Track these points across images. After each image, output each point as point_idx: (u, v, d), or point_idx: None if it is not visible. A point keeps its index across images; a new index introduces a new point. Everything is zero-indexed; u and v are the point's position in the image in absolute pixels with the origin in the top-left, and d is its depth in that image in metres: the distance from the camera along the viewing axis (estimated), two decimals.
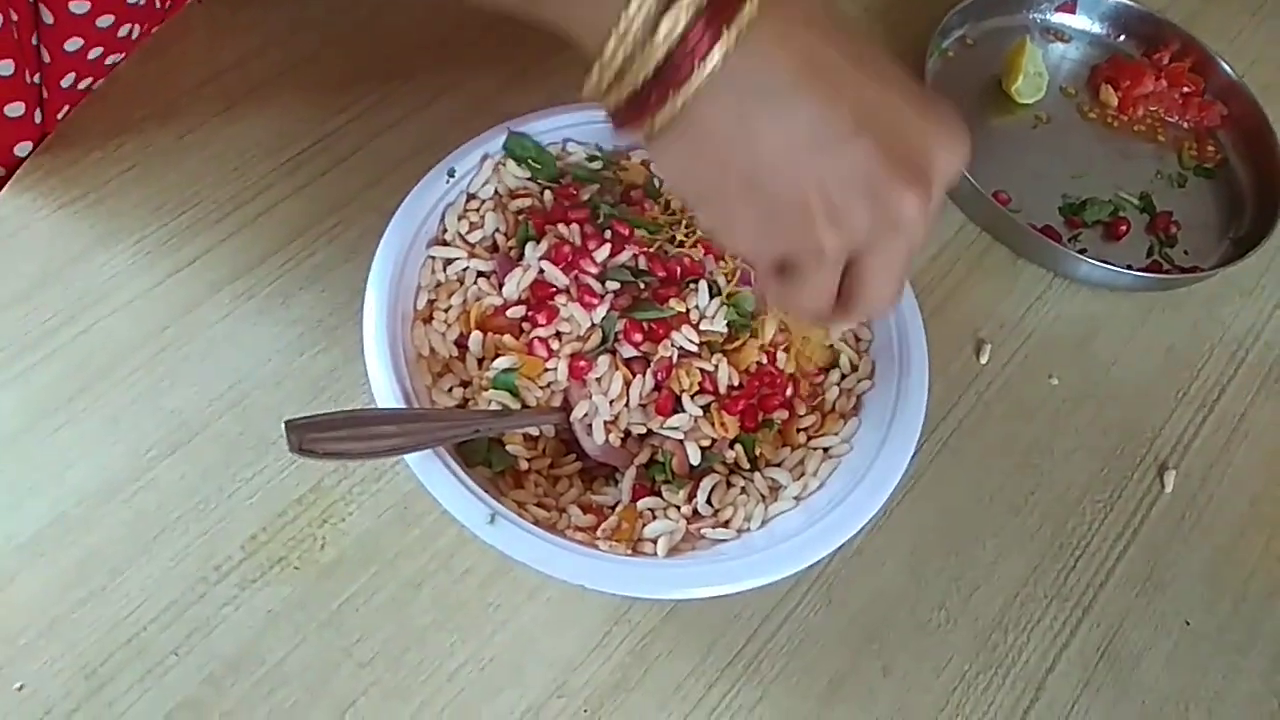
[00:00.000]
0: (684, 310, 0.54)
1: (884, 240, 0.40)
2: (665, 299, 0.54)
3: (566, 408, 0.53)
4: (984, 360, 0.67)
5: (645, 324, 0.53)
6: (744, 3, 0.35)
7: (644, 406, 0.53)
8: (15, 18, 0.57)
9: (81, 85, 0.65)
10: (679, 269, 0.56)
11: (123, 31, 0.64)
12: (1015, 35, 0.82)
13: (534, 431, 0.54)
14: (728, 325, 0.54)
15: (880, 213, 0.39)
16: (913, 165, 0.38)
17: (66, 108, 0.64)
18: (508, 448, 0.52)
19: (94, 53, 0.63)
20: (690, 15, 0.35)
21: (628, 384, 0.53)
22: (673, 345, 0.53)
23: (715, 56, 0.35)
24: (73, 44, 0.61)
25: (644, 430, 0.53)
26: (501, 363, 0.52)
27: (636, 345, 0.53)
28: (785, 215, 0.39)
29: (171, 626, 0.51)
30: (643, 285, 0.55)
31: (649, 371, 0.53)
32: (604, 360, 0.53)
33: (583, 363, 0.52)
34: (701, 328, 0.54)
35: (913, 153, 0.38)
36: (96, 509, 0.53)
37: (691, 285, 0.55)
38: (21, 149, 0.62)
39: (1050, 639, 0.58)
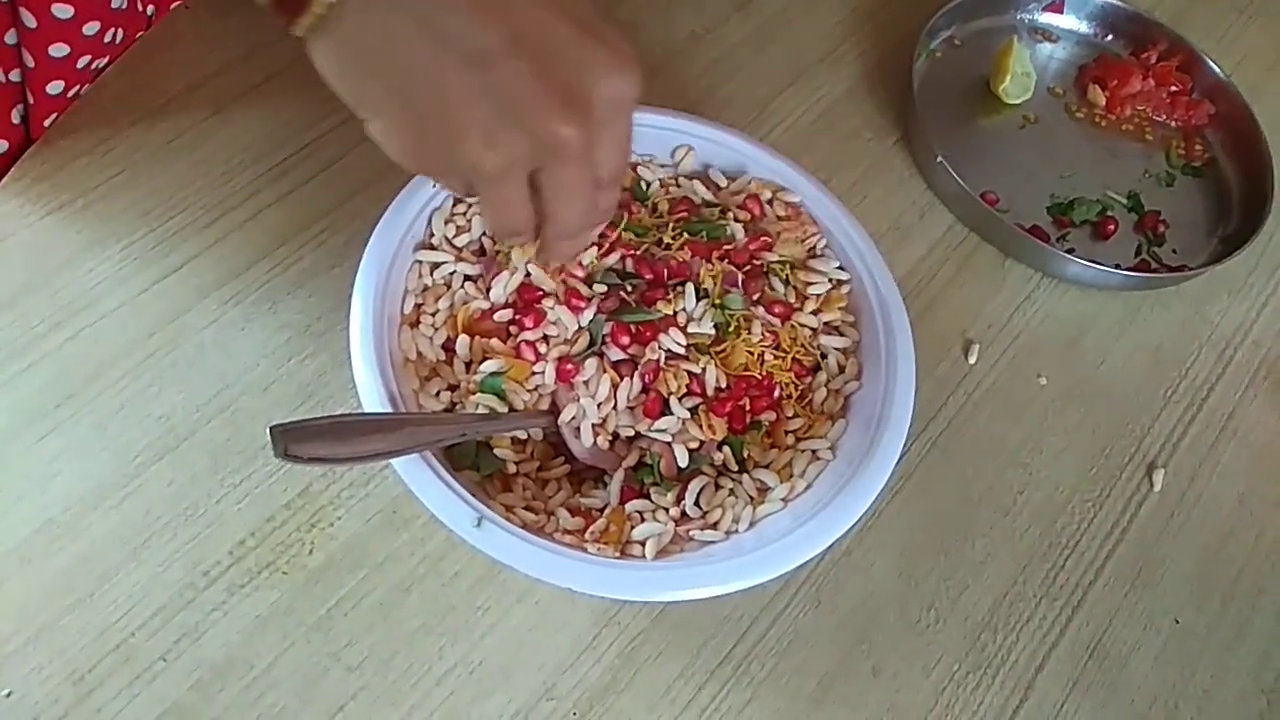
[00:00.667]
0: (671, 313, 0.54)
1: (551, 164, 0.40)
2: (653, 302, 0.54)
3: (554, 411, 0.53)
4: (972, 360, 0.67)
5: (632, 326, 0.53)
6: None
7: (632, 409, 0.53)
8: None
9: (70, 93, 0.64)
10: (666, 271, 0.56)
11: (109, 37, 0.64)
12: (1003, 35, 0.82)
13: (522, 435, 0.54)
14: (715, 327, 0.54)
15: (534, 138, 0.38)
16: (568, 90, 0.38)
17: (54, 115, 0.64)
18: (495, 451, 0.52)
19: (81, 61, 0.63)
20: None
21: (615, 387, 0.53)
22: (660, 348, 0.53)
23: None
24: (58, 50, 0.60)
25: (632, 433, 0.53)
26: (489, 366, 0.52)
27: (624, 348, 0.53)
28: (436, 130, 0.39)
29: (159, 632, 0.50)
30: (630, 288, 0.55)
31: (636, 374, 0.53)
32: (591, 363, 0.53)
33: (570, 366, 0.52)
34: (689, 330, 0.54)
35: (569, 77, 0.38)
36: (84, 515, 0.53)
37: (678, 288, 0.55)
38: None
39: (1040, 638, 0.58)
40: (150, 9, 0.68)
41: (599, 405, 0.53)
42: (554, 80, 0.38)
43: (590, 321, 0.54)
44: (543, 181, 0.41)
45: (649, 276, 0.55)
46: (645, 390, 0.53)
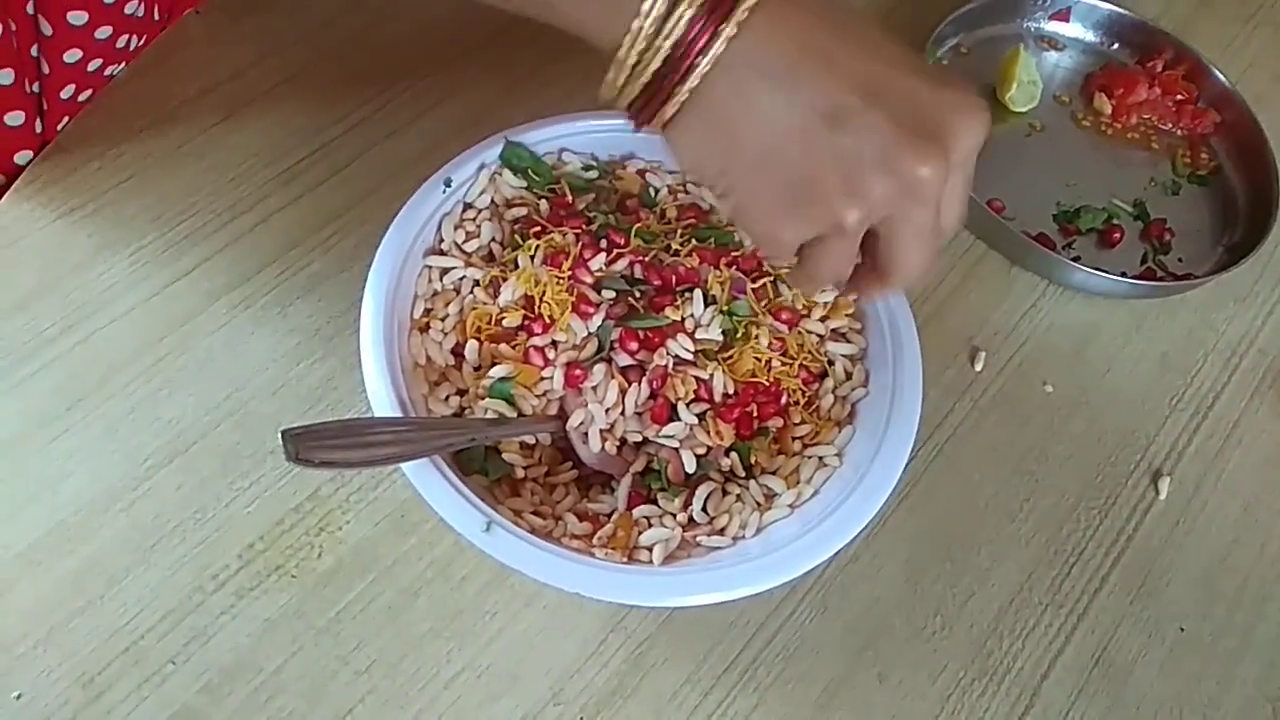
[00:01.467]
0: (679, 319, 0.54)
1: (905, 208, 0.41)
2: (661, 308, 0.54)
3: (563, 416, 0.54)
4: (979, 367, 0.67)
5: (641, 332, 0.54)
6: None
7: (640, 414, 0.54)
8: (14, 27, 0.57)
9: (81, 97, 0.65)
10: (674, 277, 0.56)
11: (120, 43, 0.64)
12: (1009, 43, 0.83)
13: (530, 439, 0.54)
14: (723, 334, 0.55)
15: (896, 181, 0.40)
16: (925, 132, 0.39)
17: (66, 119, 0.64)
18: (504, 456, 0.53)
19: (93, 64, 0.63)
20: (694, 10, 0.38)
21: (623, 392, 0.53)
22: (668, 354, 0.54)
23: (716, 46, 0.38)
24: (72, 55, 0.61)
25: (640, 438, 0.54)
26: (498, 371, 0.52)
27: (632, 354, 0.54)
28: (802, 193, 0.40)
29: (169, 635, 0.51)
30: (638, 294, 0.55)
31: (644, 380, 0.53)
32: (600, 369, 0.53)
33: (578, 371, 0.53)
34: (697, 336, 0.54)
35: (925, 120, 0.39)
36: (94, 518, 0.53)
37: (686, 294, 0.55)
38: (21, 157, 0.63)
39: (1045, 645, 0.58)
40: (164, 16, 0.69)
41: (607, 411, 0.53)
42: (911, 125, 0.39)
43: (599, 327, 0.54)
44: (893, 229, 0.42)
45: (657, 283, 0.56)
46: (653, 396, 0.54)
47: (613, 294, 0.55)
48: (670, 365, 0.54)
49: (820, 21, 0.40)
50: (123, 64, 0.67)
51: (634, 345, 0.53)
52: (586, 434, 0.53)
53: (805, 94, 0.39)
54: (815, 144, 0.39)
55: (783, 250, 0.44)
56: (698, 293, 0.55)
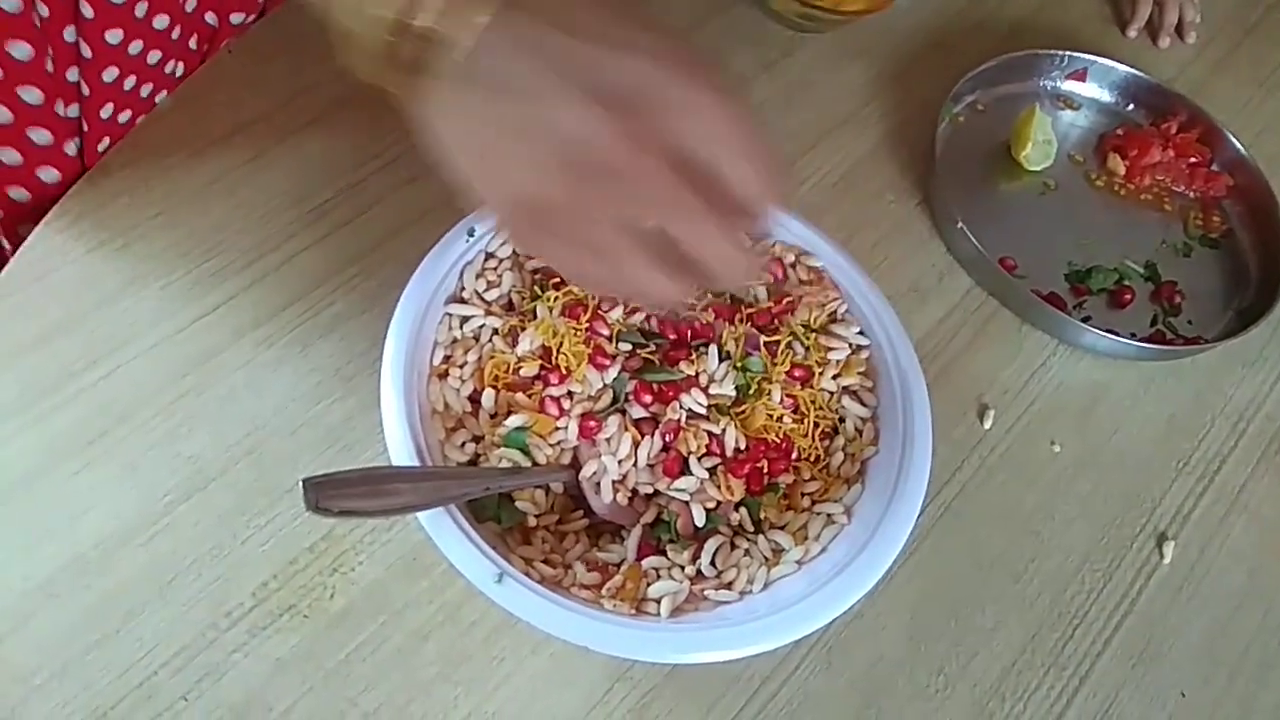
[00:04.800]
0: (693, 373, 0.55)
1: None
2: (675, 361, 0.55)
3: (575, 465, 0.54)
4: (987, 425, 0.68)
5: (655, 385, 0.55)
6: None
7: (651, 467, 0.54)
8: (50, 51, 0.59)
9: (121, 118, 0.66)
10: (689, 332, 0.57)
11: (153, 59, 0.65)
12: (1026, 102, 0.84)
13: (543, 488, 0.55)
14: (735, 389, 0.55)
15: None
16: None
17: (106, 139, 0.66)
18: (517, 504, 0.53)
19: (129, 82, 0.64)
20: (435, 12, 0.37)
21: (636, 445, 0.54)
22: (681, 407, 0.55)
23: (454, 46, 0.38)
24: (110, 74, 0.62)
25: (651, 490, 0.54)
26: (514, 421, 0.53)
27: (646, 406, 0.54)
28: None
29: (182, 671, 0.51)
30: (654, 347, 0.56)
31: (657, 432, 0.54)
32: (614, 420, 0.54)
33: (593, 423, 0.54)
34: (710, 391, 0.55)
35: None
36: (112, 553, 0.54)
37: (701, 349, 0.56)
38: (47, 175, 0.64)
39: (1047, 708, 0.58)
40: (203, 46, 0.70)
41: (619, 462, 0.54)
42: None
43: (614, 379, 0.55)
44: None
45: (673, 336, 0.57)
46: (665, 449, 0.55)
47: (629, 347, 0.56)
48: (683, 419, 0.55)
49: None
50: (163, 91, 0.68)
51: (648, 398, 0.54)
52: (599, 484, 0.54)
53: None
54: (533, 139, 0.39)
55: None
56: (712, 348, 0.56)
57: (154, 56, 0.65)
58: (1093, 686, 0.60)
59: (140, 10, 0.61)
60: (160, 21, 0.64)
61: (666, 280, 0.41)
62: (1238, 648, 0.63)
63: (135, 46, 0.63)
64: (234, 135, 0.69)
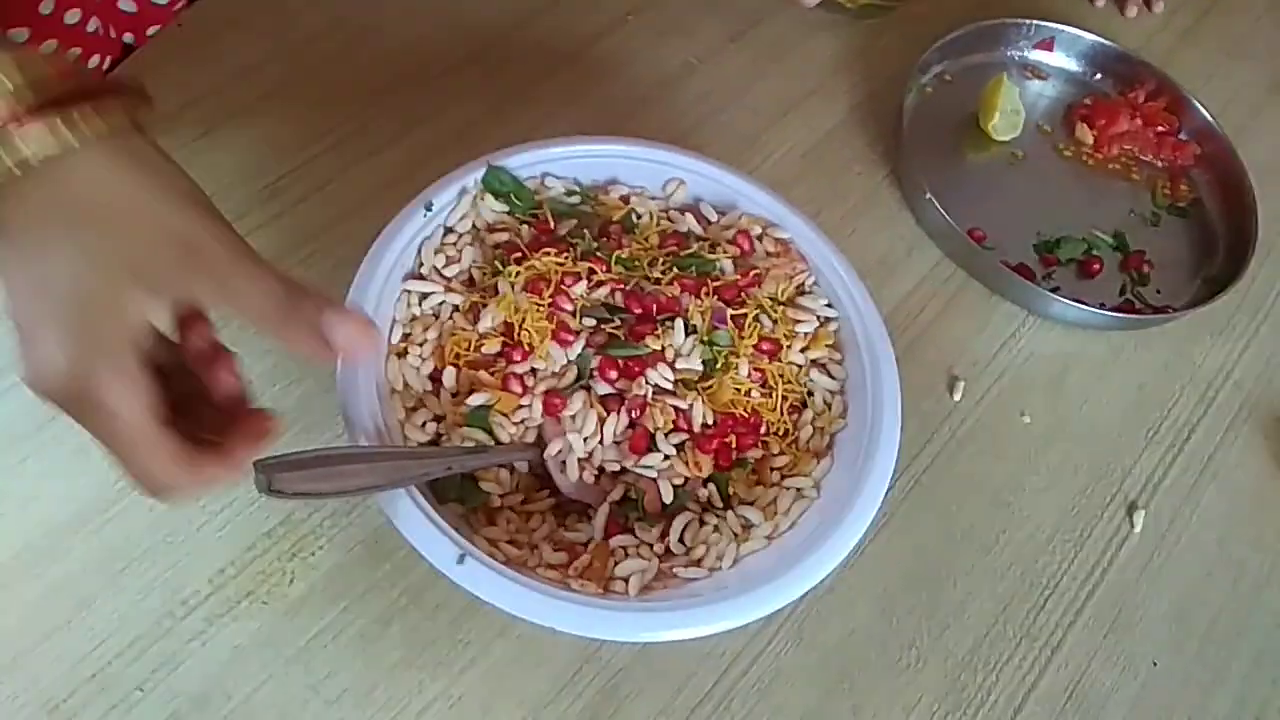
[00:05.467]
0: (659, 348, 0.54)
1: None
2: (641, 336, 0.54)
3: (540, 444, 0.53)
4: (957, 397, 0.67)
5: (620, 361, 0.54)
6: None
7: (618, 444, 0.53)
8: None
9: None
10: (655, 306, 0.56)
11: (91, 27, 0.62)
12: (993, 72, 0.83)
13: (507, 467, 0.54)
14: (702, 363, 0.54)
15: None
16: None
17: None
18: (481, 484, 0.52)
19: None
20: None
21: (602, 421, 0.53)
22: (647, 383, 0.54)
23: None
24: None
25: (618, 468, 0.53)
26: (476, 399, 0.52)
27: (611, 382, 0.53)
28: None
29: (137, 661, 0.50)
30: (619, 322, 0.55)
31: (623, 409, 0.53)
32: (578, 397, 0.53)
33: (557, 400, 0.52)
34: (677, 365, 0.54)
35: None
36: (63, 541, 0.52)
37: (668, 323, 0.55)
38: None
39: (1019, 679, 0.58)
40: (128, 36, 0.68)
41: (585, 440, 0.53)
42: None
43: (578, 355, 0.54)
44: None
45: (638, 310, 0.55)
46: (632, 425, 0.53)
47: (593, 322, 0.54)
48: (649, 394, 0.54)
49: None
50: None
51: (613, 374, 0.53)
52: (564, 463, 0.53)
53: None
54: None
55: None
56: (679, 322, 0.55)
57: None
58: (1064, 656, 0.59)
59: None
60: (70, 17, 0.61)
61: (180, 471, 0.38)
62: (1208, 615, 0.63)
63: (49, 47, 0.60)
64: (183, 112, 0.67)
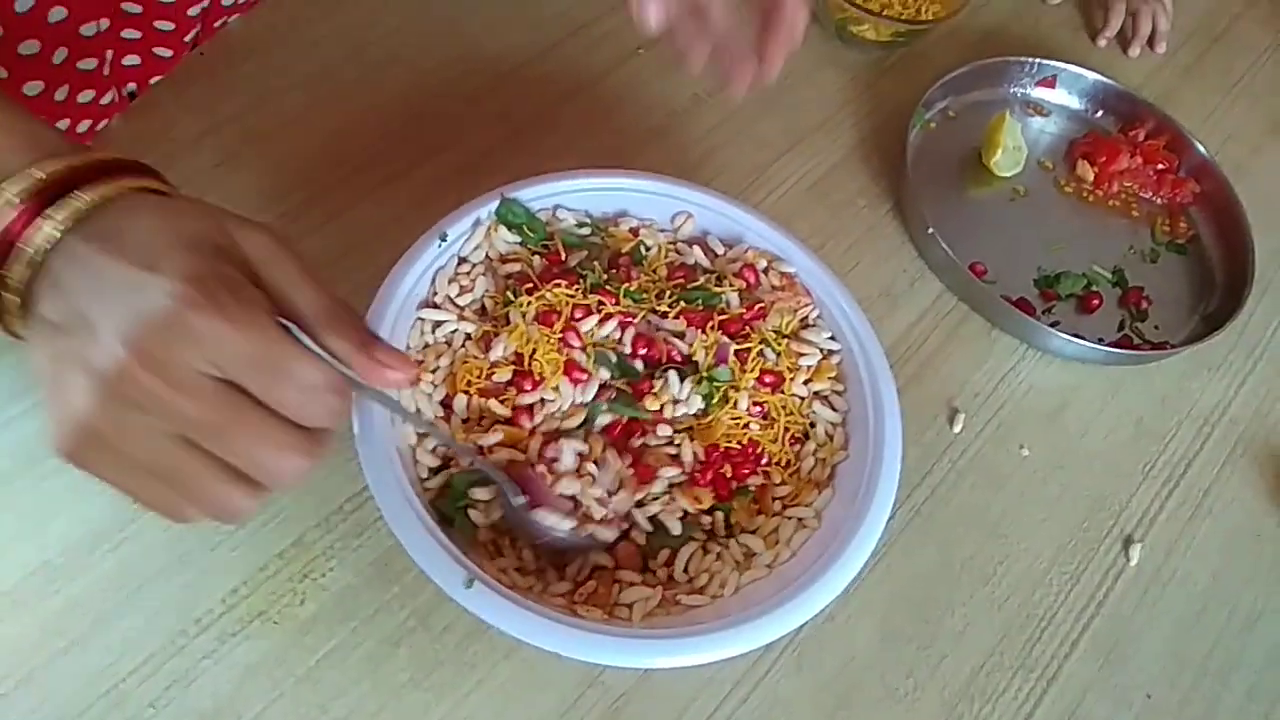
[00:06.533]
0: (658, 408, 0.55)
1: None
2: (642, 395, 0.55)
3: (521, 478, 0.53)
4: (957, 429, 0.68)
5: (624, 420, 0.55)
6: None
7: (612, 494, 0.54)
8: None
9: (80, 128, 0.65)
10: (659, 354, 0.57)
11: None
12: (996, 108, 0.85)
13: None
14: (702, 399, 0.56)
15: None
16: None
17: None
18: (470, 514, 0.53)
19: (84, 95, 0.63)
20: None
21: (593, 480, 0.53)
22: (642, 439, 0.55)
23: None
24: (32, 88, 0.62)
25: (604, 513, 0.54)
26: (491, 439, 0.53)
27: (613, 436, 0.55)
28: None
29: (151, 679, 0.51)
30: (625, 377, 0.56)
31: (614, 453, 0.54)
32: (569, 451, 0.53)
33: (551, 450, 0.53)
34: (677, 414, 0.55)
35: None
36: (80, 559, 0.53)
37: (662, 375, 0.56)
38: None
39: (1015, 710, 0.59)
40: (131, 86, 0.69)
41: (574, 499, 0.53)
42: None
43: (591, 404, 0.55)
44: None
45: (644, 351, 0.56)
46: (633, 465, 0.54)
47: (608, 375, 0.55)
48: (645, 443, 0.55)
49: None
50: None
51: (615, 430, 0.55)
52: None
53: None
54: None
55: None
56: (672, 374, 0.56)
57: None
58: (1060, 688, 0.60)
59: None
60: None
61: (240, 492, 0.39)
62: (1203, 649, 0.64)
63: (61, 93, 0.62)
64: (203, 138, 0.69)
